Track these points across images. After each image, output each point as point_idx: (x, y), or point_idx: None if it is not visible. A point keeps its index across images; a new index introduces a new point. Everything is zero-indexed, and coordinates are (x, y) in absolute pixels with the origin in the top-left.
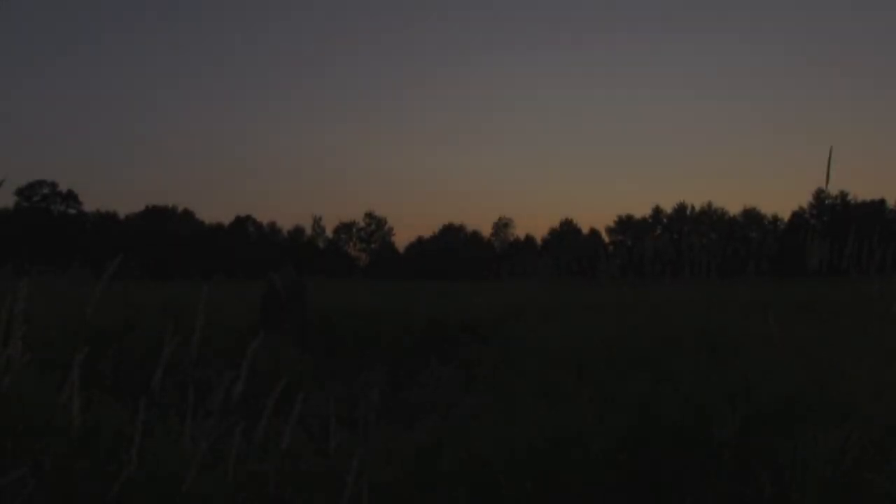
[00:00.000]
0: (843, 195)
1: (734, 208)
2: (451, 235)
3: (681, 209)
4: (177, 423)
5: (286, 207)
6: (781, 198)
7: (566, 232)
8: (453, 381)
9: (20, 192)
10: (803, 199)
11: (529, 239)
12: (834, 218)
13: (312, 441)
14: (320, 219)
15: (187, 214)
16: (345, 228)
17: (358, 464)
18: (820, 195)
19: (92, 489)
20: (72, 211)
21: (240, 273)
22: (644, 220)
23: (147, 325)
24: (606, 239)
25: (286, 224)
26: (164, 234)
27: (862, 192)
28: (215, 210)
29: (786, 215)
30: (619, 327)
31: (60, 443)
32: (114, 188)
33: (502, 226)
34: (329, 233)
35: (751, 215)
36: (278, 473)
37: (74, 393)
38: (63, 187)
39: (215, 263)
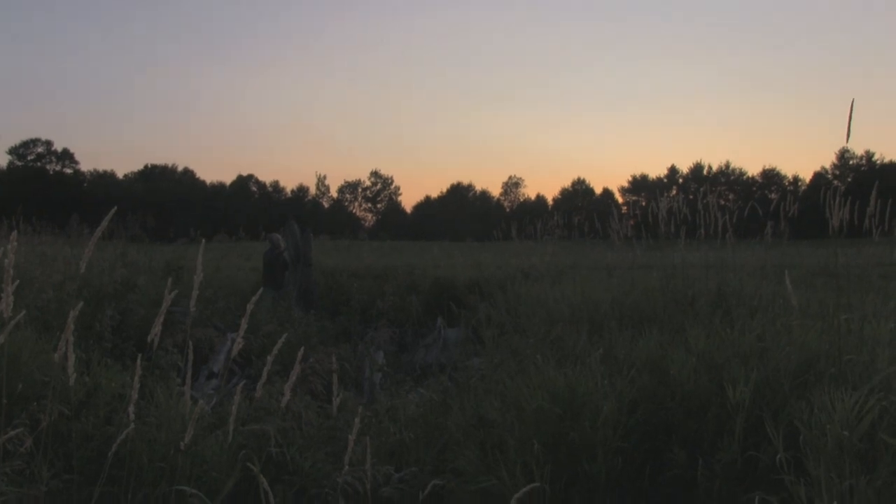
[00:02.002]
0: (869, 155)
1: (753, 169)
2: (460, 195)
3: (697, 169)
4: (177, 384)
5: (289, 166)
6: (803, 159)
7: (578, 192)
8: (460, 342)
9: (13, 151)
10: (826, 160)
11: (540, 199)
12: (858, 179)
13: (316, 400)
14: (324, 178)
15: (188, 173)
16: (350, 187)
17: (361, 423)
18: (843, 155)
19: (90, 447)
20: (68, 171)
21: (242, 233)
22: (659, 179)
23: (147, 285)
24: (620, 199)
25: (289, 183)
26: (164, 194)
27: (889, 152)
28: (217, 169)
29: (807, 176)
30: (631, 288)
31: (58, 401)
32: (111, 146)
33: (512, 185)
34: (333, 192)
35: (770, 176)
36: (280, 432)
37: (69, 349)
38: (58, 146)
39: (217, 223)
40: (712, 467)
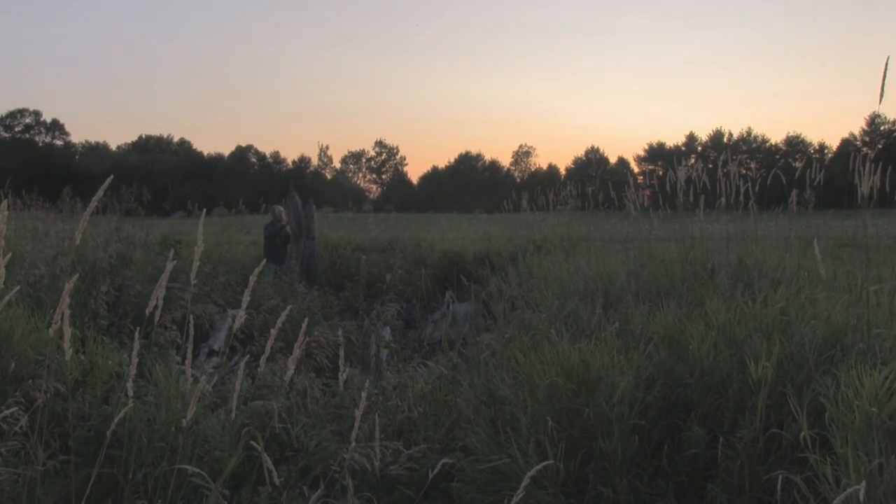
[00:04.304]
0: None
1: (776, 136)
2: (468, 165)
3: (717, 136)
4: (177, 362)
5: (290, 136)
6: (829, 125)
7: (592, 161)
8: (470, 317)
9: (0, 122)
10: (855, 126)
11: (552, 168)
12: (889, 145)
13: (320, 376)
14: (327, 148)
15: (184, 144)
16: (353, 158)
17: (368, 400)
18: (874, 121)
19: (87, 427)
20: (58, 142)
21: (242, 206)
22: (677, 148)
23: (143, 260)
24: (636, 168)
25: (290, 154)
26: (160, 166)
27: None
28: (214, 139)
29: (834, 143)
30: (647, 260)
31: (53, 379)
32: (104, 116)
33: (523, 154)
34: (336, 163)
35: (794, 143)
36: (284, 410)
37: (65, 323)
38: (47, 116)
39: (215, 196)
40: (733, 446)
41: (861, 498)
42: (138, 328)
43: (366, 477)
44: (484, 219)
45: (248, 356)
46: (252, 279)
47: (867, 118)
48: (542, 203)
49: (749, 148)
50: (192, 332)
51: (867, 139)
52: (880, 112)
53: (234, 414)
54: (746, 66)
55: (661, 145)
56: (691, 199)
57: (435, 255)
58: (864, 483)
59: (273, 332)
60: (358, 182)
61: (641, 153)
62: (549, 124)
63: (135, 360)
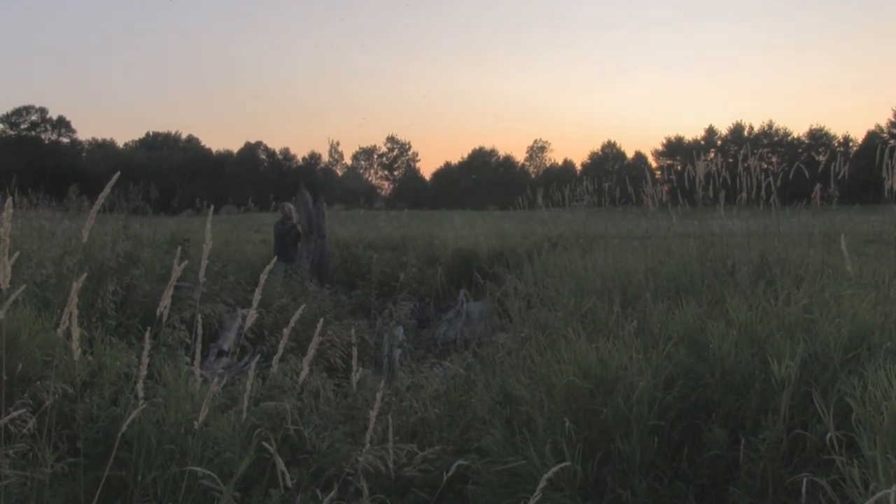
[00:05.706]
0: None
1: (799, 129)
2: (482, 160)
3: (737, 130)
4: (186, 363)
5: (300, 132)
6: (855, 117)
7: (608, 156)
8: (484, 316)
9: (5, 119)
10: (882, 118)
11: (568, 163)
12: None
13: (332, 377)
14: (337, 144)
15: (192, 141)
16: (364, 154)
17: (382, 401)
18: None
19: (96, 429)
20: (64, 140)
21: (251, 203)
22: (696, 142)
23: (151, 259)
24: (653, 163)
25: (300, 150)
26: (168, 163)
27: None
28: (223, 136)
29: (859, 136)
30: (666, 257)
31: (61, 380)
32: (111, 113)
33: (538, 150)
34: (347, 159)
35: (817, 136)
36: (295, 411)
37: (73, 322)
38: (53, 113)
39: (224, 193)
40: (755, 447)
41: (891, 502)
42: (148, 328)
43: (379, 479)
44: (498, 215)
45: (258, 356)
46: (263, 277)
47: (894, 109)
48: (557, 199)
49: (770, 141)
50: (201, 331)
51: (895, 131)
52: None
53: (244, 415)
54: (767, 57)
55: (679, 139)
56: (711, 194)
57: (448, 252)
58: (893, 487)
59: (286, 331)
60: (369, 179)
61: (659, 147)
62: (564, 119)
63: (145, 360)
